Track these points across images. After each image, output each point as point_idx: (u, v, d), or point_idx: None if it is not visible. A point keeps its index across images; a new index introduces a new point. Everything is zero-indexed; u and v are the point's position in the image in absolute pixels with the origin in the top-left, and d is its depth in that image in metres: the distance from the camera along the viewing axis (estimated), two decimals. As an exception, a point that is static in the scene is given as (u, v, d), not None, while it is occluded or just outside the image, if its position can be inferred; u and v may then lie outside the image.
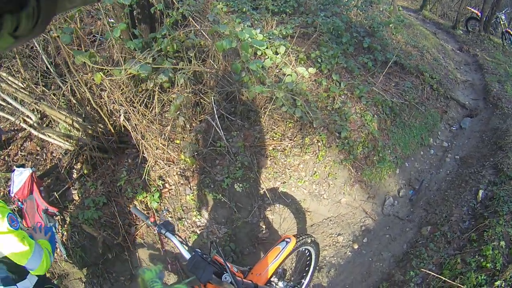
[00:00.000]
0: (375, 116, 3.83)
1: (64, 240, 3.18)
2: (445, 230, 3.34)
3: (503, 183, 3.65)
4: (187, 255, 1.70)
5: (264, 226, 3.20)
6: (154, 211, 3.20)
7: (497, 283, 2.62)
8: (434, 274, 2.81)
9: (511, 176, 3.68)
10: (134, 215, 3.31)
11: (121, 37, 3.18)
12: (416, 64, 5.16)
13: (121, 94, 2.97)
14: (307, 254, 2.70)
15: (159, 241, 2.00)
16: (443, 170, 4.25)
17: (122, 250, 3.14)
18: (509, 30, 8.76)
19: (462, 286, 2.62)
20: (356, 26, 5.07)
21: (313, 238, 2.55)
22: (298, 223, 3.24)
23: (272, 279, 2.26)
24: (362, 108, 3.82)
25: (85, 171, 3.43)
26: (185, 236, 3.31)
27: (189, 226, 3.32)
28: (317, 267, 3.08)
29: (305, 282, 2.84)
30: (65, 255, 3.05)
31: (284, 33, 4.25)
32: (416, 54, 5.55)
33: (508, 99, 5.69)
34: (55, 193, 3.31)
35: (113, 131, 3.27)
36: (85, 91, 2.97)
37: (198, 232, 3.31)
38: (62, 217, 3.29)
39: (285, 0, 5.06)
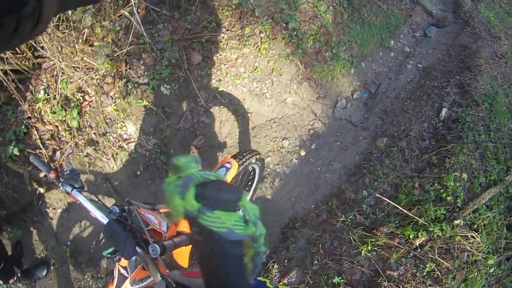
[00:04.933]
0: (331, 7, 3.56)
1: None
2: (403, 146, 3.32)
3: (469, 107, 3.61)
4: (103, 220, 1.39)
5: (199, 132, 3.00)
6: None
7: (457, 221, 2.62)
8: (390, 202, 2.76)
9: (479, 102, 3.64)
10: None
11: None
12: (382, -42, 4.85)
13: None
14: (250, 171, 2.56)
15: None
16: (403, 77, 4.19)
17: (52, 182, 2.96)
18: None
19: (419, 219, 2.59)
20: None
21: (258, 156, 2.37)
22: (238, 126, 3.06)
23: None
24: (315, -2, 3.53)
25: (4, 100, 3.11)
26: (112, 152, 3.10)
27: (115, 141, 3.09)
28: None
29: (247, 196, 2.75)
30: None
31: None
32: None
33: (481, 20, 5.58)
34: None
35: (24, 47, 2.94)
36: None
37: (126, 146, 3.09)
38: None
39: None
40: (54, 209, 3.17)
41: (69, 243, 3.12)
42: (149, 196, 2.98)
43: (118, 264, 1.43)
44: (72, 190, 1.50)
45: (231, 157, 2.14)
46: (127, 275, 1.42)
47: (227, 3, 3.12)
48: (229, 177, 1.99)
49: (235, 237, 0.70)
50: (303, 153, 3.19)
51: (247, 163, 2.20)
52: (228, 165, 2.03)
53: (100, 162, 3.07)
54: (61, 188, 1.54)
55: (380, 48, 4.10)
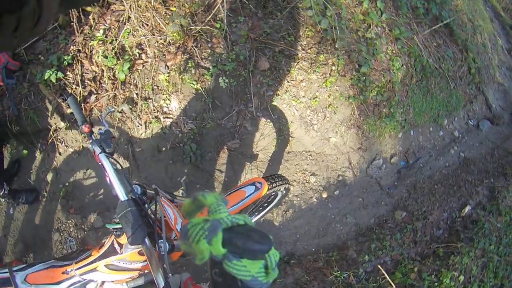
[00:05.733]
0: (404, 66, 3.51)
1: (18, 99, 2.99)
2: (418, 227, 3.29)
3: (491, 214, 3.59)
4: (121, 195, 1.27)
5: (237, 136, 2.95)
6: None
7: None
8: (386, 276, 2.74)
9: (502, 212, 3.61)
10: (96, 84, 3.02)
11: None
12: (466, 38, 4.78)
13: None
14: (272, 195, 2.49)
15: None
16: (443, 159, 4.12)
17: (75, 121, 2.91)
18: None
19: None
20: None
21: (287, 186, 2.31)
22: (276, 145, 3.00)
23: None
24: (394, 52, 3.46)
25: (61, 22, 3.02)
26: (146, 119, 3.04)
27: (153, 110, 3.03)
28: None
29: (258, 216, 2.68)
30: (15, 115, 2.92)
31: None
32: (469, 28, 5.14)
33: (534, 135, 5.51)
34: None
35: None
36: None
37: (162, 119, 3.03)
38: (23, 72, 2.99)
39: None
40: (66, 146, 3.12)
41: (67, 183, 3.07)
42: (164, 176, 2.93)
43: (116, 239, 1.36)
44: (100, 153, 1.38)
45: (264, 177, 2.08)
46: (119, 252, 1.35)
47: (312, 23, 3.07)
48: (253, 198, 1.95)
49: (258, 285, 0.67)
50: (325, 195, 3.11)
51: (276, 189, 2.15)
52: (258, 185, 1.99)
53: (130, 123, 3.01)
54: (90, 146, 1.43)
55: (433, 123, 4.03)
